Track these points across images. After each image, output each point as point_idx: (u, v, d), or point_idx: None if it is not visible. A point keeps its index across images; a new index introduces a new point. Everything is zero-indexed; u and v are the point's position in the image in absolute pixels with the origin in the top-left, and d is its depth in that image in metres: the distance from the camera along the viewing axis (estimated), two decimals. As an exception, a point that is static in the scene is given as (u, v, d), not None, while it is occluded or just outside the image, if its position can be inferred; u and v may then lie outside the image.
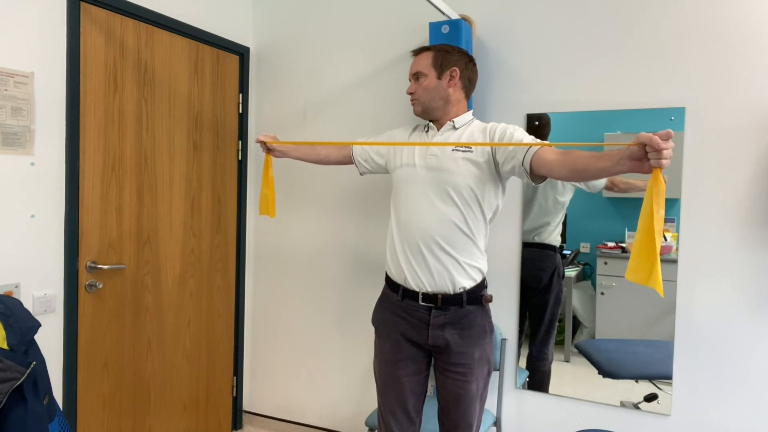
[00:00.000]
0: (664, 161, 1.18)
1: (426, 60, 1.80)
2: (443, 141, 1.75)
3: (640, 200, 2.16)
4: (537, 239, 2.34)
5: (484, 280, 1.77)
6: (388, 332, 1.77)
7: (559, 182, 2.26)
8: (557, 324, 2.32)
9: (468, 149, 1.71)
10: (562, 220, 2.30)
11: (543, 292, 2.34)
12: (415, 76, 1.82)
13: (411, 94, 1.83)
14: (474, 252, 1.73)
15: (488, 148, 1.69)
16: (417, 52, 1.85)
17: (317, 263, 2.81)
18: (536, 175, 1.60)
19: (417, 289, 1.71)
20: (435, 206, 1.70)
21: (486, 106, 2.42)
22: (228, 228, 2.86)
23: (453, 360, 1.72)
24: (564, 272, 2.30)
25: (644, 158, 1.21)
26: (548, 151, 1.54)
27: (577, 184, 2.25)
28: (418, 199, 1.72)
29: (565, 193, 2.30)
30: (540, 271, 2.34)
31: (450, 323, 1.71)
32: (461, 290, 1.71)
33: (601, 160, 1.36)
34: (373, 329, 2.46)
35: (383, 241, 2.64)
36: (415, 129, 1.90)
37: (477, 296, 1.73)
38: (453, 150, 1.72)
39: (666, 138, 1.16)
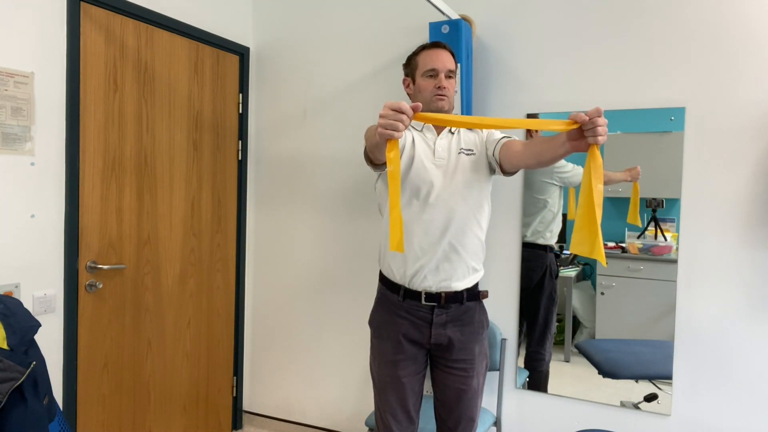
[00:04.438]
0: (600, 138, 1.25)
1: (453, 61, 1.78)
2: (446, 146, 1.75)
3: (640, 200, 2.16)
4: (526, 239, 2.35)
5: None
6: (388, 333, 1.77)
7: (536, 180, 2.32)
8: (556, 324, 2.32)
9: (471, 152, 1.75)
10: (549, 219, 2.30)
11: (535, 292, 2.34)
12: (449, 74, 1.75)
13: (444, 88, 1.72)
14: (480, 253, 1.77)
15: (484, 148, 1.77)
16: (443, 47, 1.78)
17: (317, 263, 2.81)
18: (507, 170, 1.70)
19: (420, 290, 1.71)
20: (452, 210, 1.69)
21: (486, 106, 2.42)
22: (228, 228, 2.86)
23: (455, 357, 1.73)
24: (558, 272, 2.30)
25: (581, 137, 1.29)
26: (516, 143, 1.64)
27: (555, 181, 2.27)
28: (433, 203, 1.70)
29: (543, 191, 2.31)
30: (530, 270, 2.35)
31: (452, 321, 1.73)
32: (463, 289, 1.73)
33: (550, 143, 1.44)
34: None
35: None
36: (410, 130, 1.84)
37: (475, 292, 1.76)
38: (458, 153, 1.73)
39: (596, 115, 1.23)
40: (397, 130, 1.19)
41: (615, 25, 2.20)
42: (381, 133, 1.20)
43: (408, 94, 1.85)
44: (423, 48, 1.80)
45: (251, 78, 2.96)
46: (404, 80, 1.85)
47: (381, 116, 1.22)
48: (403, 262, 1.73)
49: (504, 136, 1.71)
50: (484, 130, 1.79)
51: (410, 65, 1.81)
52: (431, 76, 1.73)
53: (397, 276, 1.75)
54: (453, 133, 1.78)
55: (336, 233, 2.76)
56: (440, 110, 1.73)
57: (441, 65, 1.73)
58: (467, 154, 1.74)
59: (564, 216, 2.29)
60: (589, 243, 1.28)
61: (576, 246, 1.31)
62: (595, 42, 2.23)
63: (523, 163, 1.58)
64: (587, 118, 1.24)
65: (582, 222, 1.30)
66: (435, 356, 1.78)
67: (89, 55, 2.14)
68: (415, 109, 1.21)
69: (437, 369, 1.79)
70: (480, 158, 1.75)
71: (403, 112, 1.19)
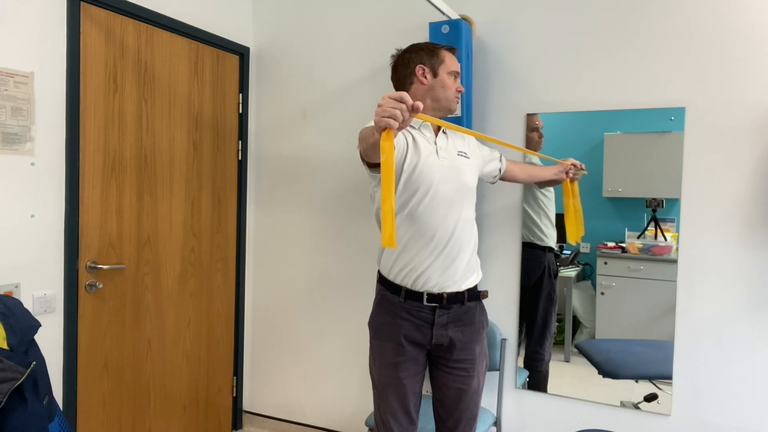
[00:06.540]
0: (579, 175, 2.15)
1: None
2: (445, 145, 1.75)
3: (640, 200, 2.16)
4: (523, 239, 2.36)
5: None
6: (389, 334, 1.77)
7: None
8: (556, 324, 2.32)
9: (466, 155, 1.79)
10: (539, 220, 2.31)
11: (534, 292, 2.34)
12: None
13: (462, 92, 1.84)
14: (476, 255, 1.80)
15: (480, 157, 1.88)
16: (454, 51, 1.83)
17: (317, 263, 2.81)
18: (501, 179, 2.07)
19: (422, 290, 1.71)
20: (458, 211, 1.71)
21: (486, 106, 2.42)
22: (228, 228, 2.86)
23: (456, 357, 1.74)
24: (557, 272, 2.30)
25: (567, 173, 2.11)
26: (513, 162, 2.08)
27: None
28: (439, 204, 1.69)
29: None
30: (528, 270, 2.35)
31: (453, 321, 1.73)
32: (465, 289, 1.73)
33: (544, 171, 2.11)
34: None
35: (383, 241, 2.64)
36: (408, 130, 1.80)
37: (475, 293, 1.77)
38: (458, 155, 1.76)
39: (580, 166, 2.12)
40: (394, 118, 1.14)
41: (615, 26, 2.20)
42: (378, 122, 1.15)
43: (421, 82, 1.75)
44: (442, 47, 1.79)
45: (251, 78, 2.96)
46: (419, 67, 1.74)
47: (379, 105, 1.17)
48: (408, 264, 1.71)
49: (500, 154, 2.03)
50: (473, 142, 1.89)
51: (434, 57, 1.75)
52: (455, 78, 1.79)
53: (399, 277, 1.74)
54: (446, 134, 1.79)
55: (336, 233, 2.76)
56: (453, 111, 1.81)
57: (458, 72, 1.82)
58: (464, 157, 1.77)
59: (561, 216, 2.29)
60: (573, 232, 2.15)
61: (570, 236, 2.15)
62: (595, 42, 2.23)
63: (518, 178, 2.09)
64: (579, 164, 2.12)
65: (568, 221, 2.15)
66: (435, 357, 1.78)
67: (89, 55, 2.14)
68: (416, 109, 1.18)
69: (437, 369, 1.79)
70: (474, 164, 1.81)
71: (403, 102, 1.14)
